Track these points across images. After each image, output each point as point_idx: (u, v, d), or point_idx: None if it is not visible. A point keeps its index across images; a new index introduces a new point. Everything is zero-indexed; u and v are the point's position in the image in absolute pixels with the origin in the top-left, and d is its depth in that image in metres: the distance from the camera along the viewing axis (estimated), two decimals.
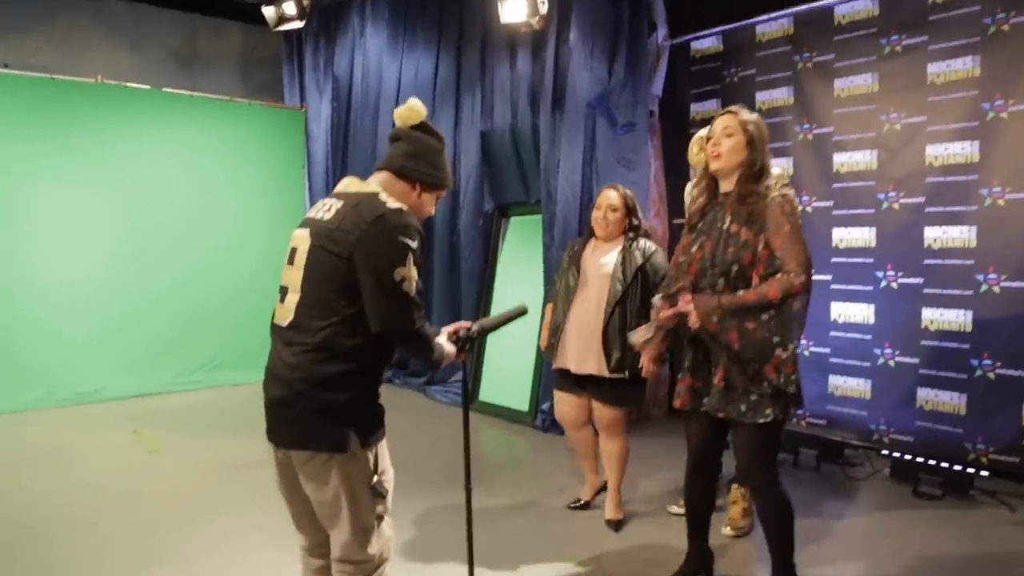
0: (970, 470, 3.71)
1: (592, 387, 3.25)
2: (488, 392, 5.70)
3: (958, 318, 3.98)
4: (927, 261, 4.10)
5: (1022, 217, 3.77)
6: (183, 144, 6.35)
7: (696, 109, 5.30)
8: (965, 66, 3.95)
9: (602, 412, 3.27)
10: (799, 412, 4.44)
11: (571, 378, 3.29)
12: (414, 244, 1.85)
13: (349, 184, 2.01)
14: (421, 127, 2.04)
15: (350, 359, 1.85)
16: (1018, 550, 3.10)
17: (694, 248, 2.51)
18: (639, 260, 3.18)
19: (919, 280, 4.13)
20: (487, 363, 5.78)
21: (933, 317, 4.08)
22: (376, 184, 1.98)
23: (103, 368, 5.89)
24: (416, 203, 2.01)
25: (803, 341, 4.53)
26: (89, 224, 5.89)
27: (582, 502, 3.54)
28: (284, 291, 1.94)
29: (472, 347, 2.27)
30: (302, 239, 1.92)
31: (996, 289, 3.85)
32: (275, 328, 1.96)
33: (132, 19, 6.65)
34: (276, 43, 7.18)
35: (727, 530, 3.22)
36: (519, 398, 5.33)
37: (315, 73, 6.99)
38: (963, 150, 3.96)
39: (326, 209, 1.93)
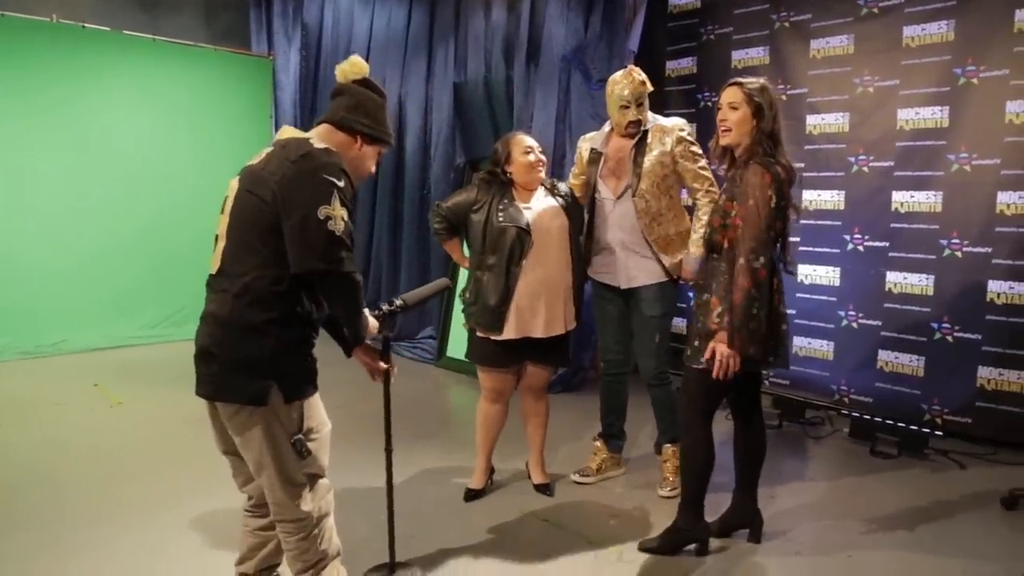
0: (925, 430, 3.81)
1: (536, 351, 3.07)
2: (456, 348, 5.70)
3: (920, 282, 4.05)
4: (893, 225, 4.14)
5: (987, 184, 3.80)
6: (145, 90, 6.14)
7: (672, 66, 5.24)
8: (940, 30, 3.94)
9: (540, 375, 3.17)
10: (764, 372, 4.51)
11: (510, 348, 3.03)
12: (340, 183, 1.79)
13: (284, 132, 1.97)
14: (363, 82, 2.01)
15: (274, 307, 1.81)
16: (965, 505, 3.20)
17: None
18: (574, 204, 3.14)
19: (885, 244, 4.17)
20: (455, 319, 5.76)
21: (897, 281, 4.14)
22: (313, 133, 1.96)
23: (64, 320, 5.78)
24: (357, 156, 1.99)
25: None
26: (47, 170, 5.70)
27: (476, 490, 3.23)
28: (216, 239, 1.92)
29: (394, 322, 2.28)
30: (233, 187, 1.91)
31: (958, 254, 3.91)
32: (209, 279, 1.93)
33: None
34: None
35: (664, 490, 3.27)
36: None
37: (284, 20, 6.78)
38: (933, 115, 3.97)
39: (259, 155, 1.92)
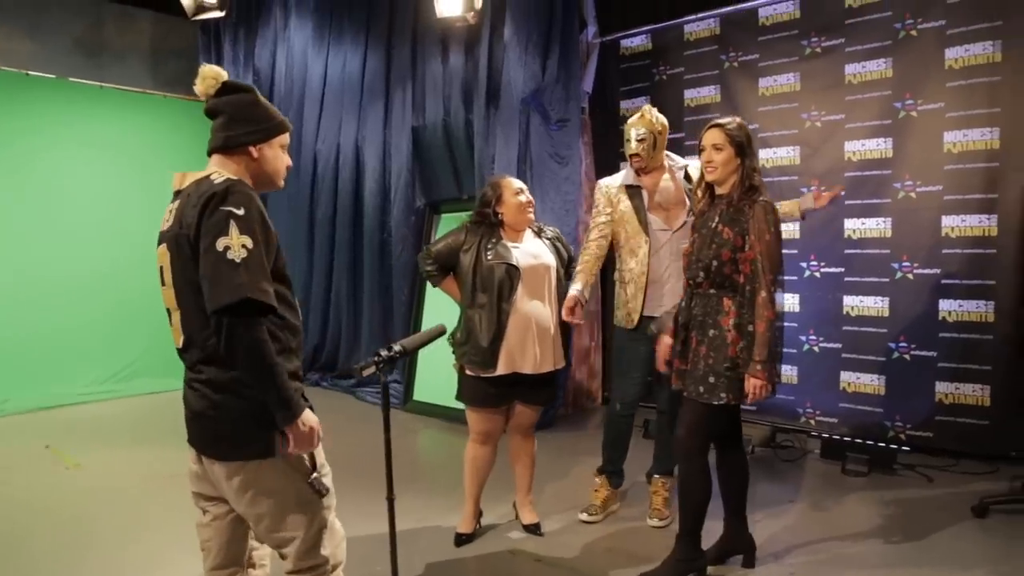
0: (893, 447, 3.96)
1: (526, 389, 3.07)
2: (422, 391, 5.66)
3: (876, 304, 4.24)
4: (847, 251, 4.34)
5: (931, 209, 4.04)
6: (91, 137, 6.02)
7: (626, 106, 5.42)
8: (879, 67, 4.21)
9: (529, 414, 3.17)
10: None
11: (501, 386, 3.02)
12: (239, 211, 1.68)
13: (183, 179, 1.86)
14: (224, 90, 1.87)
15: None
16: (939, 516, 3.32)
17: (687, 243, 2.77)
18: (562, 248, 3.20)
19: (840, 269, 4.37)
20: (420, 361, 5.72)
21: (854, 304, 4.33)
22: (212, 168, 1.85)
23: (5, 379, 5.49)
24: (260, 167, 1.88)
25: None
26: None
27: (466, 534, 3.18)
28: (169, 313, 1.84)
29: (392, 367, 2.25)
30: (163, 255, 1.81)
31: (910, 276, 4.12)
32: (178, 353, 1.86)
33: (30, 2, 6.19)
34: (189, 33, 6.86)
35: (654, 520, 3.31)
36: (454, 396, 5.30)
37: (235, 66, 6.73)
38: (878, 146, 4.21)
39: (169, 215, 1.82)
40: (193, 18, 5.68)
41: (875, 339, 4.24)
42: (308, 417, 1.78)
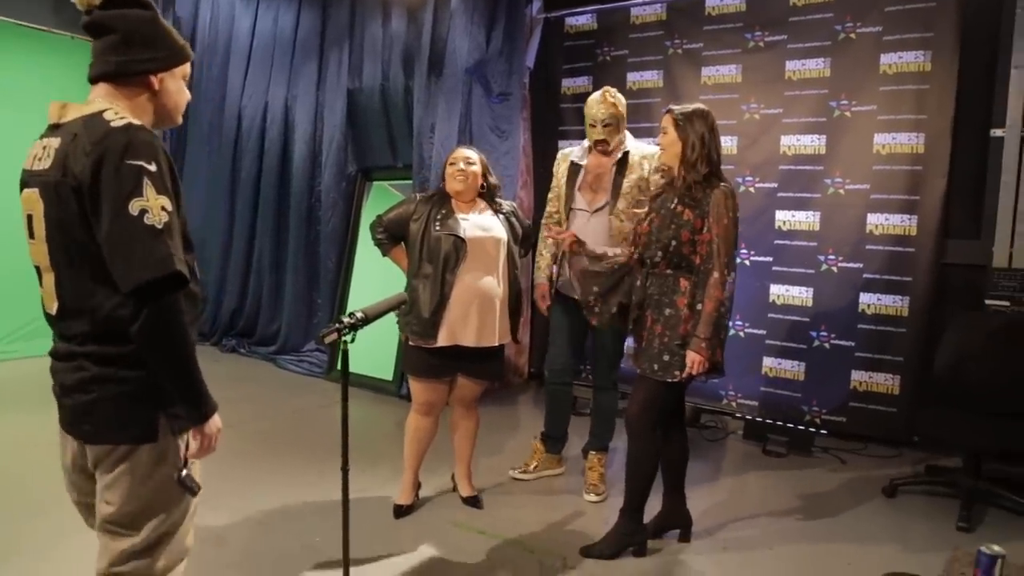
0: (811, 430, 4.17)
1: (469, 363, 3.04)
2: (350, 361, 5.50)
3: (801, 294, 4.43)
4: (777, 241, 4.51)
5: (858, 206, 4.24)
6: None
7: (567, 84, 5.41)
8: (817, 66, 4.36)
9: (472, 388, 3.16)
10: None
11: (443, 358, 3.00)
12: (151, 166, 1.42)
13: (64, 111, 1.54)
14: (114, 1, 1.52)
15: None
16: (853, 495, 3.53)
17: (645, 223, 2.77)
18: (516, 223, 3.19)
19: (769, 259, 4.53)
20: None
21: (780, 293, 4.51)
22: (101, 101, 1.52)
23: None
24: (161, 101, 1.60)
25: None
26: None
27: (405, 506, 3.15)
28: (39, 272, 1.56)
29: (355, 334, 2.21)
30: (31, 202, 1.52)
31: (834, 269, 4.32)
32: (48, 319, 1.59)
33: None
34: None
35: (590, 496, 3.38)
36: (383, 367, 5.21)
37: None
38: (812, 142, 4.38)
39: (46, 154, 1.50)
40: None
41: (798, 327, 4.44)
42: (217, 419, 1.58)
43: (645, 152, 3.32)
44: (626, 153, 3.32)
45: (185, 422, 1.55)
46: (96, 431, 1.52)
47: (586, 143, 3.43)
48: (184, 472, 1.56)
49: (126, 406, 1.50)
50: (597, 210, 3.30)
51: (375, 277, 5.24)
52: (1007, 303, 3.57)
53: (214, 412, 1.57)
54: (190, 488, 1.57)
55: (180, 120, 1.68)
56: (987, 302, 3.63)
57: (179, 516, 1.59)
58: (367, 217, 5.75)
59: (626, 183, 3.26)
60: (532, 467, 3.59)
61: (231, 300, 6.23)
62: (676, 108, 2.75)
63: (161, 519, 1.55)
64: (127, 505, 1.52)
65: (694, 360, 2.55)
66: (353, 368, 5.35)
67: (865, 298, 4.22)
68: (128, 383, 1.49)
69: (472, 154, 3.10)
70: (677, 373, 2.62)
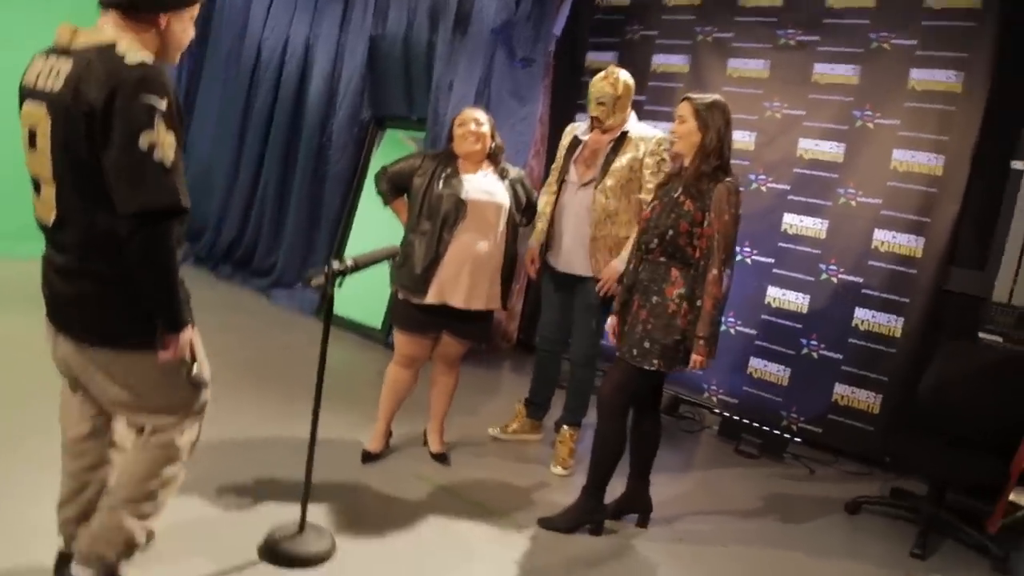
0: (786, 436, 4.17)
1: (456, 322, 3.05)
2: (340, 304, 5.47)
3: (797, 300, 4.40)
4: (781, 244, 4.46)
5: (867, 220, 4.18)
6: None
7: (592, 58, 5.33)
8: (846, 72, 4.28)
9: (456, 346, 3.17)
10: None
11: (430, 314, 3.01)
12: (162, 104, 1.53)
13: (75, 36, 1.61)
14: None
15: None
16: (816, 507, 3.53)
17: (647, 209, 2.79)
18: (521, 191, 3.18)
19: (771, 260, 4.49)
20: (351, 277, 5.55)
21: (776, 295, 4.47)
22: (111, 30, 1.61)
23: None
24: (165, 40, 1.68)
25: None
26: None
27: (374, 453, 3.18)
28: (36, 183, 1.66)
29: (342, 281, 2.24)
30: (39, 117, 1.60)
31: (834, 280, 4.28)
32: (43, 228, 1.68)
33: None
34: None
35: (557, 469, 3.40)
36: (372, 314, 5.20)
37: None
38: (830, 149, 4.31)
39: (54, 74, 1.59)
40: None
41: (789, 332, 4.41)
42: (188, 331, 1.73)
43: (644, 134, 3.31)
44: (624, 133, 3.32)
45: (188, 317, 1.72)
46: (102, 336, 1.68)
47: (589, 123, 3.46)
48: (193, 370, 1.78)
49: (130, 315, 1.66)
50: (585, 184, 3.34)
51: (378, 224, 5.20)
52: (1000, 338, 3.53)
53: (186, 325, 1.70)
54: (197, 383, 1.80)
55: (177, 60, 1.77)
56: (980, 335, 3.58)
57: (193, 407, 1.84)
58: (375, 164, 5.71)
59: (617, 162, 3.27)
60: (511, 429, 3.67)
61: (231, 228, 6.21)
62: (695, 97, 2.73)
63: (176, 411, 1.81)
64: (140, 399, 1.77)
65: (696, 361, 2.59)
66: (344, 312, 5.45)
67: (860, 313, 4.19)
68: (129, 296, 1.64)
69: (481, 115, 3.11)
70: (655, 362, 2.62)
